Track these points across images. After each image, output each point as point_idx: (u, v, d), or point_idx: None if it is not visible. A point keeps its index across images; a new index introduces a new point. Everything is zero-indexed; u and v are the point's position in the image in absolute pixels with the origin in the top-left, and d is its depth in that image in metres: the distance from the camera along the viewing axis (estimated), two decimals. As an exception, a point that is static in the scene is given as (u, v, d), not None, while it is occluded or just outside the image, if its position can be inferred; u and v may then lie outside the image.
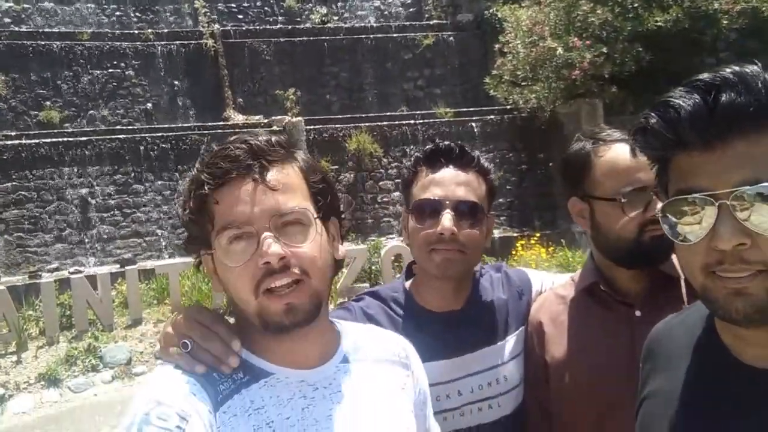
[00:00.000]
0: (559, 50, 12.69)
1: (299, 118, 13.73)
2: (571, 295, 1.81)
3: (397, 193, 13.69)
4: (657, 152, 1.03)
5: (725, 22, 13.53)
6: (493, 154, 13.57)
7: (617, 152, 1.66)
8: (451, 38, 17.13)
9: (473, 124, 13.89)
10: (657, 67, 13.21)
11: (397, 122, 14.17)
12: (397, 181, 13.74)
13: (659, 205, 1.05)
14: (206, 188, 1.14)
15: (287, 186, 1.17)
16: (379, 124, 14.01)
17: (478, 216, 1.70)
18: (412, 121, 14.12)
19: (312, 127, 13.71)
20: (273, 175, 1.16)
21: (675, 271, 1.63)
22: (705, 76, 0.95)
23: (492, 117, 14.11)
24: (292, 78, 16.24)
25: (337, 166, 13.65)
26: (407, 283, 1.86)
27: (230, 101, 15.87)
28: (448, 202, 1.67)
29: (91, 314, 8.87)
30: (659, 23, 12.54)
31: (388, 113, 15.15)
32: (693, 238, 0.96)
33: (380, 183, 13.75)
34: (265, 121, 14.30)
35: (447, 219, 1.65)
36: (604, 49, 12.40)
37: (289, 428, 1.14)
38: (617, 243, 1.65)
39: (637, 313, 1.66)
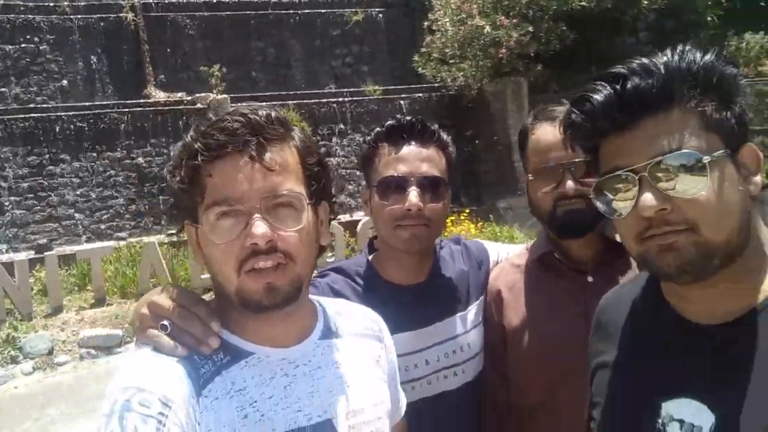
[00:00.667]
0: (487, 28, 12.80)
1: (225, 96, 13.38)
2: (526, 263, 1.91)
3: (326, 172, 13.60)
4: (585, 142, 1.12)
5: (645, 2, 13.95)
6: (422, 132, 13.56)
7: (539, 132, 1.79)
8: (380, 15, 17.01)
9: (402, 102, 13.88)
10: (580, 46, 13.52)
11: (325, 100, 14.02)
12: (325, 159, 13.63)
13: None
14: (200, 159, 1.10)
15: (283, 167, 1.15)
16: (307, 101, 13.83)
17: (440, 190, 1.75)
18: (340, 99, 14.00)
19: (238, 104, 13.32)
20: (270, 154, 1.13)
21: None
22: (614, 68, 1.07)
23: (420, 95, 14.15)
24: (216, 54, 15.77)
25: (264, 145, 13.39)
26: (370, 257, 1.88)
27: (151, 78, 15.30)
28: (413, 179, 1.71)
29: (9, 303, 8.48)
30: (583, 3, 12.82)
31: (316, 90, 14.97)
32: (623, 212, 1.06)
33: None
34: (189, 98, 13.87)
35: (414, 195, 1.69)
36: (530, 28, 12.59)
37: (273, 407, 1.14)
38: (539, 216, 1.81)
39: (590, 279, 1.78)
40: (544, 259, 1.86)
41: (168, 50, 15.79)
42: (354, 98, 14.04)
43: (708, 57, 1.03)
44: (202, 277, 8.49)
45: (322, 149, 13.49)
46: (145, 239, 10.82)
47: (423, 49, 14.45)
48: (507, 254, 2.05)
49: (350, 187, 13.56)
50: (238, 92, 14.13)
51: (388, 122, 1.79)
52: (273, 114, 1.16)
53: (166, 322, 1.15)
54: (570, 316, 1.76)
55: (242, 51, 16.29)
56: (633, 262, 1.77)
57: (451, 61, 13.68)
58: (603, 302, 1.36)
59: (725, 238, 1.00)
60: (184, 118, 13.06)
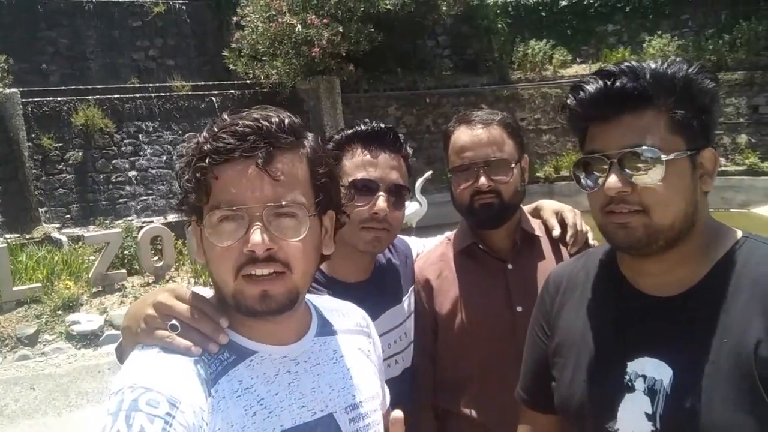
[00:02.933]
0: (298, 27, 12.89)
1: (14, 90, 12.13)
2: (451, 253, 2.08)
3: (134, 172, 12.87)
4: (574, 124, 1.32)
5: (444, 8, 14.85)
6: (236, 129, 13.31)
7: (457, 134, 1.99)
8: (184, 7, 16.38)
9: (213, 99, 13.53)
10: (387, 48, 14.10)
11: (129, 95, 13.23)
12: (132, 159, 12.90)
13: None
14: (207, 161, 1.10)
15: (289, 177, 1.15)
16: (109, 96, 12.96)
17: (403, 198, 1.86)
18: (146, 95, 13.30)
19: (29, 99, 12.23)
20: (277, 163, 1.13)
21: (537, 230, 2.04)
22: (610, 66, 1.26)
23: (233, 92, 13.88)
24: (0, 43, 14.23)
25: (61, 144, 12.39)
26: None
27: None
28: (382, 185, 1.80)
29: None
30: (389, 6, 13.36)
31: (119, 85, 14.07)
32: (596, 187, 1.27)
33: (114, 161, 12.78)
34: (-30, 92, 12.41)
35: (382, 200, 1.78)
36: (340, 28, 12.87)
37: (279, 403, 1.16)
38: (460, 209, 2.00)
39: (509, 266, 1.99)
40: (468, 250, 2.04)
41: (-61, 37, 13.99)
42: (161, 93, 13.41)
43: (691, 70, 1.22)
44: (15, 289, 7.69)
45: (129, 147, 12.83)
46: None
47: (233, 45, 14.19)
48: (423, 246, 2.23)
49: (161, 187, 12.97)
50: (26, 86, 12.87)
51: (364, 126, 1.85)
52: (287, 121, 1.15)
53: (175, 322, 1.15)
54: (494, 298, 1.97)
55: (30, 41, 14.85)
56: (546, 251, 2.03)
57: (263, 58, 13.58)
58: (560, 271, 1.55)
59: (670, 223, 1.21)
60: (-34, 113, 11.68)
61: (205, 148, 1.11)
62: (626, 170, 1.21)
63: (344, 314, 1.43)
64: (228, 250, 1.11)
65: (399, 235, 2.14)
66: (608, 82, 1.22)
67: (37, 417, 5.69)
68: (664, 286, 1.28)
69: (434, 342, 2.04)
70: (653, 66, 1.23)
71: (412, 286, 2.07)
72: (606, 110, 1.23)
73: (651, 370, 1.25)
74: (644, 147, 1.20)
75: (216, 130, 1.13)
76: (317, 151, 1.21)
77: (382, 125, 1.87)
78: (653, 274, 1.30)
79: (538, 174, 14.97)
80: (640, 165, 1.21)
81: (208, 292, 1.27)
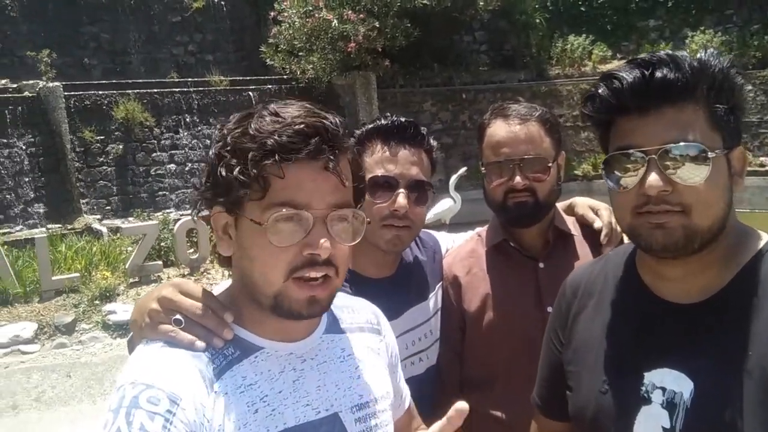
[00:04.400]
0: (335, 22, 12.90)
1: (57, 83, 12.40)
2: (481, 249, 2.04)
3: (172, 165, 13.05)
4: (602, 115, 1.22)
5: (481, 3, 14.70)
6: (272, 124, 13.40)
7: (493, 128, 1.92)
8: (222, 2, 16.53)
9: (251, 93, 13.62)
10: (423, 44, 14.02)
11: (168, 90, 13.41)
12: (171, 152, 13.09)
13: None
14: (276, 158, 1.07)
15: (348, 181, 1.16)
16: (149, 91, 13.16)
17: (426, 194, 1.82)
18: (185, 89, 13.47)
19: (72, 93, 12.47)
20: (341, 166, 1.13)
21: (571, 229, 1.98)
22: (644, 55, 1.17)
23: (270, 86, 13.96)
24: (43, 38, 14.55)
25: (102, 137, 12.63)
26: None
27: (-33, 62, 13.82)
28: (402, 181, 1.76)
29: None
30: (425, 1, 13.28)
31: (158, 80, 14.27)
32: (628, 186, 1.17)
33: (153, 155, 12.97)
34: (14, 85, 12.71)
35: (402, 197, 1.75)
36: (377, 24, 12.85)
37: (283, 401, 1.15)
38: (492, 206, 1.95)
39: (541, 264, 1.94)
40: (499, 247, 1.99)
41: (-14, 32, 14.36)
42: (200, 88, 13.56)
43: (726, 64, 1.16)
44: (54, 278, 7.88)
45: (168, 141, 13.02)
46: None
47: (270, 40, 14.27)
48: (453, 242, 2.17)
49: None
50: (69, 80, 13.15)
51: (384, 121, 1.82)
52: (339, 121, 1.14)
53: (179, 317, 1.14)
54: (525, 296, 1.92)
55: (72, 35, 15.15)
56: (580, 250, 1.97)
57: (299, 54, 13.64)
58: (577, 276, 1.47)
59: (709, 225, 1.14)
60: (11, 107, 11.97)
61: (269, 143, 1.07)
62: (670, 169, 1.13)
63: (354, 311, 1.41)
64: (284, 250, 1.10)
65: (428, 230, 2.11)
66: (647, 72, 1.14)
67: (73, 404, 5.82)
68: (687, 292, 1.22)
69: (461, 340, 2.01)
70: (698, 56, 1.16)
71: (440, 283, 2.03)
72: (645, 102, 1.15)
73: (670, 382, 1.19)
74: (690, 143, 1.12)
75: (277, 125, 1.09)
76: (355, 154, 1.22)
77: (403, 119, 1.83)
78: (676, 280, 1.23)
79: (575, 171, 14.74)
80: (683, 162, 1.13)
81: (224, 284, 1.26)
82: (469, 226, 2.41)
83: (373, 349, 1.37)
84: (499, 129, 1.90)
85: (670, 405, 1.17)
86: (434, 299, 1.99)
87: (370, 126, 1.84)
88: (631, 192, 1.17)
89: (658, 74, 1.13)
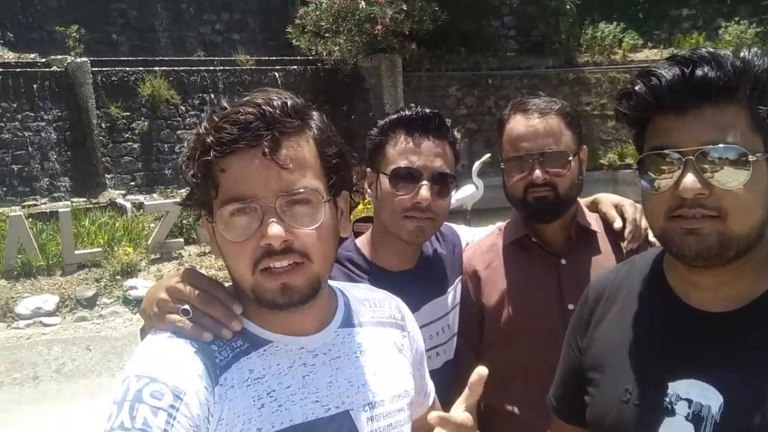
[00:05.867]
0: (362, 4, 12.82)
1: (84, 59, 12.49)
2: (501, 244, 2.00)
3: (196, 143, 13.13)
4: (638, 114, 1.17)
5: (511, -13, 14.53)
6: (297, 105, 13.41)
7: (513, 122, 1.88)
8: (250, -18, 16.52)
9: (276, 74, 13.62)
10: (451, 27, 13.90)
11: (195, 68, 13.45)
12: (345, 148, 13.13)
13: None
14: (212, 154, 1.04)
15: (298, 163, 1.09)
16: (176, 68, 13.21)
17: (449, 186, 1.80)
18: (211, 68, 13.50)
19: (99, 69, 12.56)
20: (284, 150, 1.07)
21: (594, 225, 1.93)
22: (685, 52, 1.12)
23: (295, 67, 13.94)
24: (72, 13, 14.65)
25: (128, 113, 12.72)
26: (357, 242, 1.90)
27: (-2, 35, 13.97)
28: (425, 173, 1.74)
29: None
30: (454, -16, 13.15)
31: (185, 57, 14.32)
32: (662, 188, 1.12)
33: (178, 132, 13.05)
34: (43, 60, 12.84)
35: (425, 189, 1.73)
36: (404, 6, 12.75)
37: (291, 396, 1.12)
38: (512, 201, 1.91)
39: (563, 261, 1.90)
40: (520, 242, 1.95)
41: (16, 6, 14.49)
42: (226, 67, 13.59)
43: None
44: (77, 252, 7.99)
45: (193, 119, 13.07)
46: (0, 210, 10.01)
47: (297, 21, 14.23)
48: (473, 236, 2.14)
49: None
50: (97, 56, 13.24)
51: (408, 111, 1.80)
52: (290, 103, 1.08)
53: (187, 307, 1.11)
54: (545, 293, 1.88)
55: (101, 11, 15.25)
56: (602, 247, 1.92)
57: (326, 35, 13.58)
58: (603, 280, 1.42)
59: (747, 232, 1.08)
60: (39, 81, 12.09)
61: (208, 140, 1.05)
62: (707, 171, 1.07)
63: (377, 304, 1.36)
64: (243, 245, 1.07)
65: (448, 224, 2.07)
66: (687, 70, 1.08)
67: (92, 377, 5.91)
68: (718, 301, 1.16)
69: (479, 335, 1.97)
70: (737, 55, 1.10)
71: (459, 277, 2.00)
72: (684, 101, 1.09)
73: (697, 394, 1.13)
74: (729, 145, 1.07)
75: (217, 119, 1.07)
76: (324, 131, 1.15)
77: (427, 110, 1.80)
78: (707, 288, 1.17)
79: (601, 161, 14.56)
80: (721, 165, 1.07)
81: None
82: (492, 212, 2.36)
83: (395, 344, 1.32)
84: (518, 123, 1.87)
85: (696, 418, 1.12)
86: (453, 293, 1.96)
87: (393, 117, 1.81)
88: (665, 194, 1.11)
89: (699, 73, 1.08)
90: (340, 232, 1.20)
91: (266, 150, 1.04)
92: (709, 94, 1.08)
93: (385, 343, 1.30)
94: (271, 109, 1.06)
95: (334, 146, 1.16)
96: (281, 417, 1.09)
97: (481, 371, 1.15)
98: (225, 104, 1.09)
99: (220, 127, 1.05)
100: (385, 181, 1.78)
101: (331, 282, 1.30)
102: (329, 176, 1.14)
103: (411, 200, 1.74)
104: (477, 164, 9.61)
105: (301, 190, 1.08)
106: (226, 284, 1.21)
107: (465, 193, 8.94)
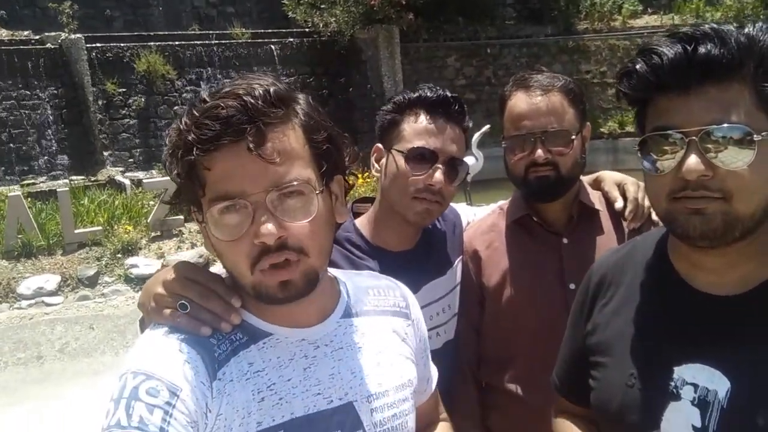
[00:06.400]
0: (358, -27, 12.66)
1: (78, 35, 12.37)
2: (503, 223, 1.98)
3: (194, 119, 13.06)
4: (639, 93, 1.14)
5: (509, -46, 14.32)
6: (294, 78, 13.34)
7: (514, 100, 1.85)
8: (244, -48, 16.27)
9: (272, 47, 13.50)
10: (448, -4, 13.74)
11: (190, 42, 13.33)
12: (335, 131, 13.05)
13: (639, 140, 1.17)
14: (195, 153, 1.00)
15: (286, 154, 1.04)
16: (171, 43, 13.10)
17: (458, 172, 1.78)
18: (207, 42, 13.37)
19: (93, 45, 12.44)
20: (270, 143, 1.02)
21: (596, 204, 1.91)
22: (686, 29, 1.09)
23: (291, 40, 13.81)
24: (65, -11, 14.46)
25: (124, 89, 12.64)
26: (356, 222, 1.88)
27: (-10, 13, 13.81)
28: (442, 156, 1.73)
29: None
30: (451, -48, 12.96)
31: (180, 32, 14.17)
32: (665, 169, 1.09)
33: (175, 108, 12.96)
34: (36, 37, 12.71)
35: (440, 173, 1.72)
36: (401, -25, 12.59)
37: (291, 389, 1.10)
38: (513, 180, 1.89)
39: (565, 240, 1.88)
40: (521, 221, 1.94)
41: (8, -18, 14.30)
42: (221, 41, 13.45)
43: None
44: (77, 231, 7.98)
45: (189, 94, 12.97)
46: (2, 190, 9.99)
47: (292, -8, 14.07)
48: (474, 215, 2.12)
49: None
50: (91, 31, 13.11)
51: (429, 92, 1.77)
52: (272, 91, 1.03)
53: (184, 301, 1.10)
54: (547, 273, 1.86)
55: (94, -14, 15.05)
56: (605, 226, 1.90)
57: (322, 6, 13.42)
58: (603, 264, 1.40)
59: (752, 212, 1.05)
60: (33, 58, 11.98)
61: (189, 138, 1.01)
62: (711, 151, 1.04)
63: (380, 293, 1.33)
64: (237, 243, 1.04)
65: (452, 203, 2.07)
66: (689, 47, 1.05)
67: (96, 356, 5.94)
68: (724, 284, 1.14)
69: (480, 315, 1.96)
70: (745, 30, 1.06)
71: (460, 257, 1.98)
72: (686, 80, 1.06)
73: (703, 378, 1.11)
74: (734, 124, 1.03)
75: (197, 115, 1.02)
76: (312, 116, 1.09)
77: (449, 93, 1.78)
78: (712, 270, 1.15)
79: (601, 129, 14.48)
80: (725, 145, 1.04)
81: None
82: (492, 183, 2.33)
83: (398, 333, 1.30)
84: (519, 101, 1.83)
85: (702, 403, 1.10)
86: (454, 273, 1.95)
87: (414, 94, 1.78)
88: (667, 176, 1.08)
89: (702, 50, 1.04)
90: (336, 217, 1.17)
91: (251, 145, 1.00)
92: (712, 72, 1.05)
93: (389, 332, 1.28)
94: (252, 100, 1.01)
95: (323, 131, 1.10)
96: (282, 410, 1.08)
97: None
98: (205, 97, 1.04)
99: (201, 123, 1.00)
100: (399, 158, 1.75)
101: (334, 271, 1.29)
102: (320, 163, 1.10)
103: (424, 181, 1.72)
104: (476, 135, 9.54)
105: (294, 183, 1.04)
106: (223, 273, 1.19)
107: (465, 165, 8.89)
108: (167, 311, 1.11)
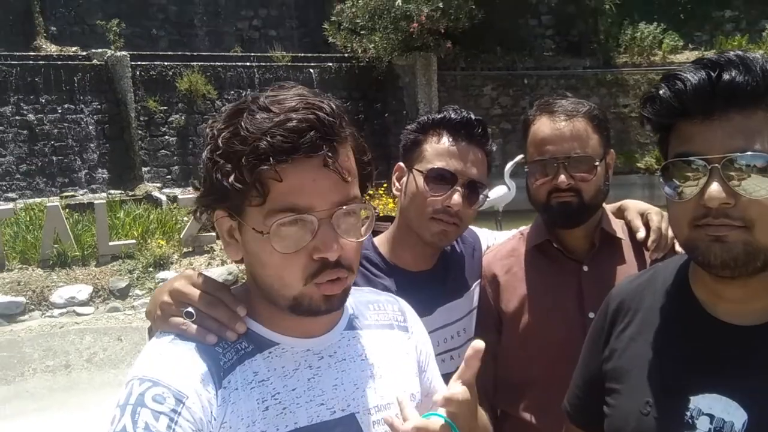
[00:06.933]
0: (398, 1, 12.83)
1: (124, 53, 12.73)
2: (523, 248, 1.96)
3: (231, 138, 13.27)
4: (662, 119, 1.13)
5: (549, -14, 14.38)
6: (331, 102, 13.47)
7: (538, 124, 1.83)
8: (288, -22, 16.62)
9: (312, 71, 13.70)
10: (487, 26, 13.80)
11: (231, 63, 13.60)
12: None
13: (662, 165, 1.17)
14: (271, 161, 0.99)
15: (351, 172, 1.07)
16: (213, 64, 13.39)
17: (479, 195, 1.78)
18: (248, 63, 13.63)
19: (138, 63, 12.77)
20: (341, 161, 1.04)
21: (619, 232, 1.88)
22: (711, 56, 1.08)
23: (330, 64, 14.01)
24: (113, 8, 14.93)
25: (166, 107, 12.92)
26: (374, 240, 1.88)
27: (41, 29, 14.30)
28: (461, 179, 1.73)
29: None
30: (491, -18, 13.06)
31: (222, 53, 14.48)
32: (686, 196, 1.08)
33: (237, 103, 13.16)
34: (84, 53, 13.10)
35: (458, 195, 1.71)
36: (440, 4, 12.70)
37: (296, 399, 1.10)
38: (535, 205, 1.86)
39: (585, 268, 1.86)
40: (542, 247, 1.92)
41: (60, 1, 14.80)
42: (262, 63, 13.70)
43: None
44: (111, 244, 8.13)
45: (228, 114, 13.20)
46: (39, 200, 10.24)
47: (333, 18, 14.28)
48: (495, 239, 2.11)
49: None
50: (136, 50, 13.47)
51: (453, 114, 1.77)
52: (335, 108, 1.04)
53: (191, 309, 1.11)
54: (566, 300, 1.84)
55: (141, 6, 15.49)
56: (627, 255, 1.87)
57: (362, 32, 13.60)
58: (622, 290, 1.39)
59: None
60: (80, 74, 12.34)
61: (262, 146, 0.99)
62: (734, 180, 1.03)
63: (380, 307, 1.34)
64: (293, 256, 1.04)
65: (470, 226, 2.06)
66: (713, 74, 1.04)
67: (122, 367, 6.00)
68: (746, 313, 1.12)
69: (497, 340, 1.93)
70: (766, 59, 1.05)
71: (478, 281, 1.97)
72: (710, 106, 1.05)
73: (720, 409, 1.09)
74: (757, 153, 1.02)
75: (268, 124, 1.00)
76: (358, 138, 1.11)
77: (472, 116, 1.78)
78: (734, 300, 1.13)
79: (638, 164, 14.32)
80: (748, 174, 1.03)
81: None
82: (524, 213, 2.32)
83: (400, 347, 1.31)
84: (543, 126, 1.81)
85: None
86: (471, 297, 1.93)
87: (437, 116, 1.78)
88: (689, 202, 1.08)
89: (726, 77, 1.03)
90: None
91: (328, 161, 1.01)
92: (736, 99, 1.04)
93: (391, 345, 1.29)
94: (326, 117, 1.02)
95: (368, 153, 1.13)
96: (286, 420, 1.08)
97: (476, 345, 1.13)
98: (267, 105, 1.02)
99: (275, 133, 1.00)
100: (419, 178, 1.75)
101: None
102: (364, 185, 1.12)
103: (442, 203, 1.72)
104: (510, 165, 9.52)
105: (354, 202, 1.06)
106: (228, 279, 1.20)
107: (497, 194, 8.87)
108: (174, 320, 1.12)
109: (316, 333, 1.17)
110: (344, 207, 1.04)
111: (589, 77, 15.23)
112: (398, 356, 1.29)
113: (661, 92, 1.10)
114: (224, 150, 1.02)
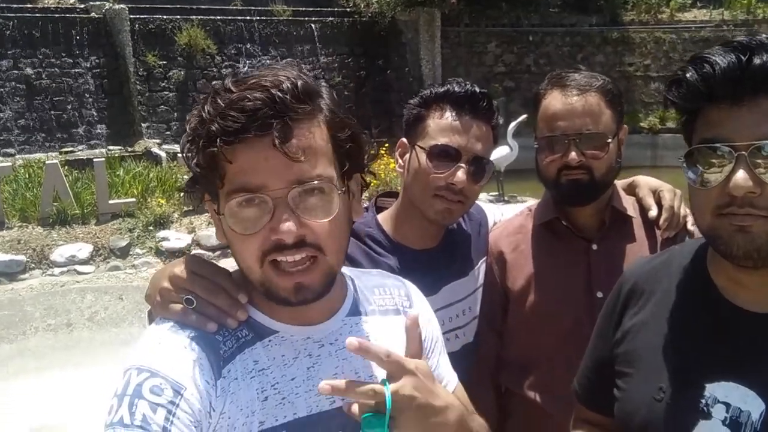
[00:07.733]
0: (402, -45, 12.55)
1: (122, 6, 12.50)
2: (530, 225, 1.92)
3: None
4: (688, 103, 1.09)
5: (557, -60, 14.03)
6: (332, 58, 13.32)
7: (550, 99, 1.78)
8: (289, -70, 16.22)
9: (313, 26, 13.48)
10: (493, -19, 13.54)
11: (231, 17, 13.38)
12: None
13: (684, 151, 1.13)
14: (218, 143, 0.98)
15: (311, 151, 1.02)
16: (213, 17, 13.19)
17: (485, 171, 1.73)
18: (248, 18, 13.40)
19: (137, 16, 12.56)
20: (296, 139, 1.00)
21: (630, 210, 1.84)
22: (742, 38, 1.04)
23: (332, 19, 13.78)
24: (111, -41, 14.59)
25: (165, 62, 12.76)
26: (378, 218, 1.85)
27: (38, -20, 14.01)
28: (465, 155, 1.68)
29: None
30: (498, -64, 12.75)
31: (222, 6, 14.21)
32: (710, 183, 1.05)
33: (214, 82, 13.02)
34: (82, 6, 12.87)
35: (462, 172, 1.67)
36: (445, -42, 12.44)
37: (295, 389, 1.09)
38: (545, 182, 1.82)
39: (594, 246, 1.82)
40: (550, 225, 1.87)
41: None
42: (263, 18, 13.46)
43: None
44: (111, 202, 8.10)
45: (229, 69, 13.02)
46: (38, 157, 10.18)
47: (335, -29, 14.01)
48: (501, 215, 2.07)
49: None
50: (135, 2, 13.21)
51: (457, 87, 1.71)
52: (299, 84, 1.01)
53: (191, 297, 1.08)
54: (573, 279, 1.80)
55: (139, -43, 15.16)
56: (637, 234, 1.83)
57: (364, -14, 13.36)
58: (635, 272, 1.36)
59: None
60: (77, 27, 12.14)
61: (213, 128, 0.98)
62: (760, 167, 1.00)
63: (386, 291, 1.31)
64: (251, 237, 1.02)
65: (476, 202, 2.01)
66: (743, 58, 1.00)
67: (124, 326, 6.04)
68: (765, 301, 1.10)
69: (502, 318, 1.92)
70: None
71: (484, 258, 1.93)
72: (739, 91, 1.01)
73: (737, 398, 1.07)
74: None
75: (222, 105, 0.98)
76: (336, 113, 1.07)
77: (477, 89, 1.71)
78: (754, 289, 1.10)
79: (641, 124, 14.18)
80: None
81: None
82: (525, 173, 2.27)
83: (404, 334, 1.24)
84: (554, 100, 1.76)
85: (733, 424, 1.07)
86: (477, 275, 1.90)
87: (441, 89, 1.72)
88: (713, 190, 1.04)
89: (757, 61, 0.99)
90: (353, 216, 1.15)
91: (276, 140, 0.98)
92: (766, 84, 1.00)
93: (393, 332, 1.24)
94: (280, 94, 0.98)
95: (346, 129, 1.08)
96: (285, 410, 1.07)
97: (412, 315, 1.12)
98: (230, 86, 1.01)
99: (226, 114, 0.97)
100: (421, 155, 1.70)
101: (343, 269, 1.25)
102: (342, 162, 1.08)
103: (445, 180, 1.67)
104: (513, 125, 9.42)
105: (315, 182, 1.02)
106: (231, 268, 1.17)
107: (499, 154, 8.78)
108: (173, 306, 1.09)
109: (317, 320, 1.15)
110: (302, 186, 1.00)
111: (595, 35, 14.98)
112: (402, 343, 1.23)
113: (687, 75, 1.06)
114: (191, 135, 1.03)
